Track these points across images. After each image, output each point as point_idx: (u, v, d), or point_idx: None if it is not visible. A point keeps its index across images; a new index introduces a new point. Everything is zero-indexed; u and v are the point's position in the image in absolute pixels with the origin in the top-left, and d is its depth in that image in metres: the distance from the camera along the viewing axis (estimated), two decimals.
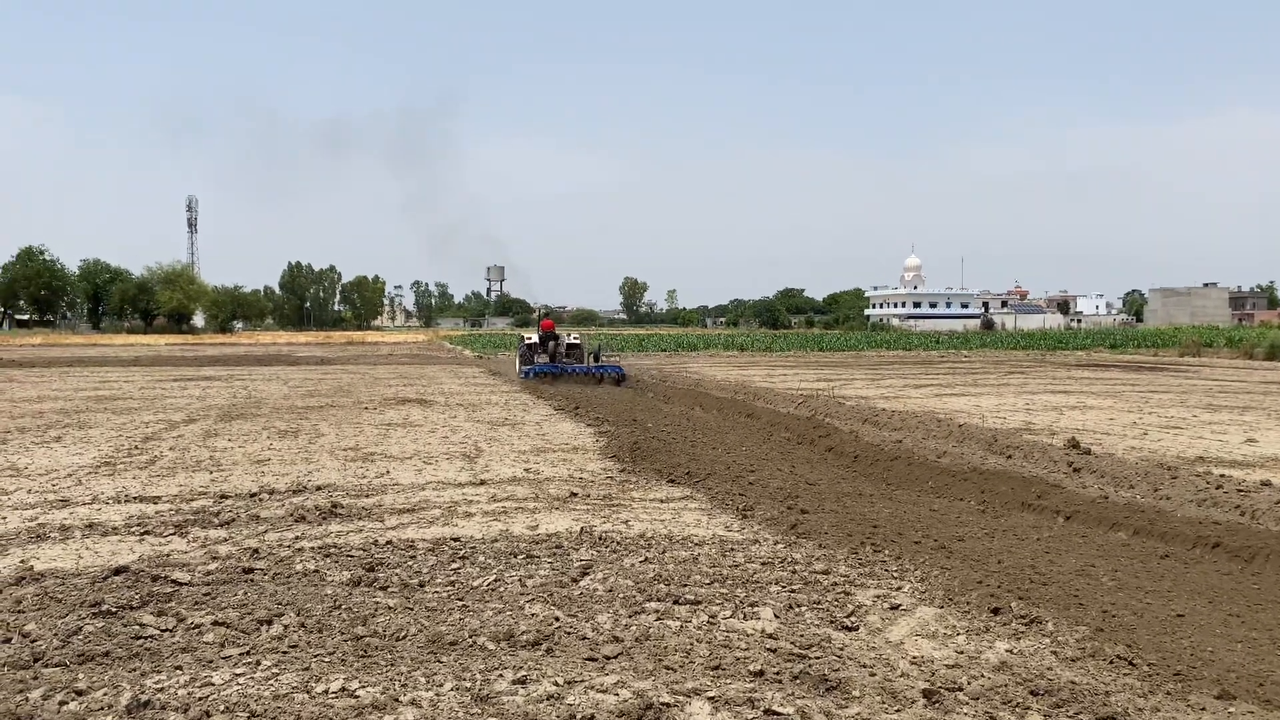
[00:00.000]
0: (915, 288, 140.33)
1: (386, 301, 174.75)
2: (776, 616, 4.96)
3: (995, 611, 5.06)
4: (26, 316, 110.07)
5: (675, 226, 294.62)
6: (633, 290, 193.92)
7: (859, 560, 6.14)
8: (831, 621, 4.94)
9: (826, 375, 28.31)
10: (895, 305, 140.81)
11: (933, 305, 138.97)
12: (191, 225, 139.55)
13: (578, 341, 25.41)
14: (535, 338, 25.19)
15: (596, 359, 24.77)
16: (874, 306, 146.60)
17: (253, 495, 8.38)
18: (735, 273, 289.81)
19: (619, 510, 7.79)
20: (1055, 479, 9.06)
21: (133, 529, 7.05)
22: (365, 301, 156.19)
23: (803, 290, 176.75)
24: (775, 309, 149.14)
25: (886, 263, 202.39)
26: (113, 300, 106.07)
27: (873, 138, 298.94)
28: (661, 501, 8.21)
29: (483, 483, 9.07)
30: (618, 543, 6.57)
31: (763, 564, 6.01)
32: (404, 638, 4.60)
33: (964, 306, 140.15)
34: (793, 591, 5.42)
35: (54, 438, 12.43)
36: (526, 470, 9.84)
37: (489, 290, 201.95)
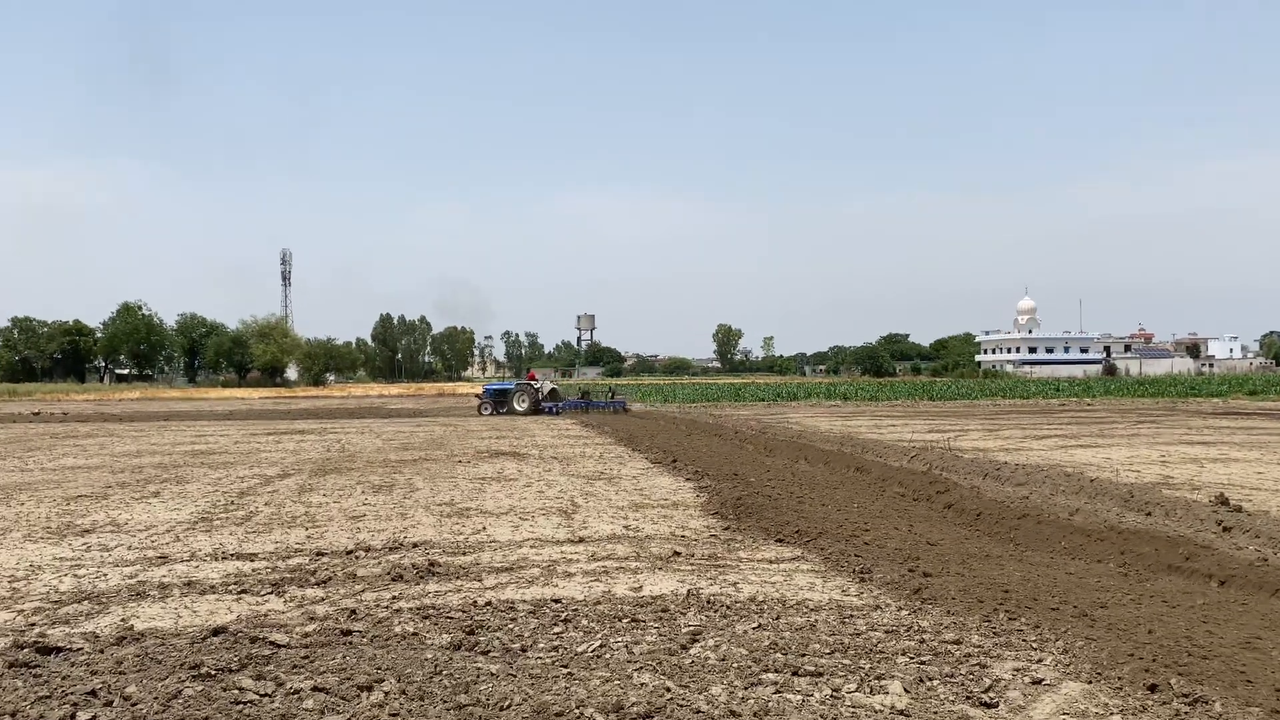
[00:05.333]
0: (1030, 331, 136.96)
1: (476, 352, 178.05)
2: (906, 691, 4.73)
3: (1152, 689, 4.73)
4: (126, 371, 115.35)
5: (771, 271, 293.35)
6: (727, 337, 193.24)
7: (992, 629, 5.85)
8: (968, 697, 4.68)
9: (939, 426, 27.67)
10: (1009, 350, 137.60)
11: (1049, 350, 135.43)
12: (285, 278, 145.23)
13: (555, 388, 38.52)
14: (508, 385, 38.14)
15: (584, 395, 40.09)
16: (986, 352, 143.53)
17: (349, 553, 8.49)
18: (835, 318, 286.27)
19: (726, 571, 7.64)
20: (1204, 539, 8.56)
21: (230, 587, 7.19)
22: (456, 353, 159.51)
23: (907, 335, 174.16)
24: (879, 355, 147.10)
25: (997, 306, 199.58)
26: (208, 354, 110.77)
27: (979, 174, 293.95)
28: (771, 562, 8.04)
29: (581, 540, 9.05)
30: (727, 607, 6.42)
31: (886, 632, 5.78)
32: (509, 707, 4.52)
33: (1083, 351, 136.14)
34: (922, 663, 5.18)
35: (152, 493, 12.88)
36: (626, 527, 9.79)
37: (579, 339, 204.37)
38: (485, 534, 9.46)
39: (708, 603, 6.53)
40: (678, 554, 8.32)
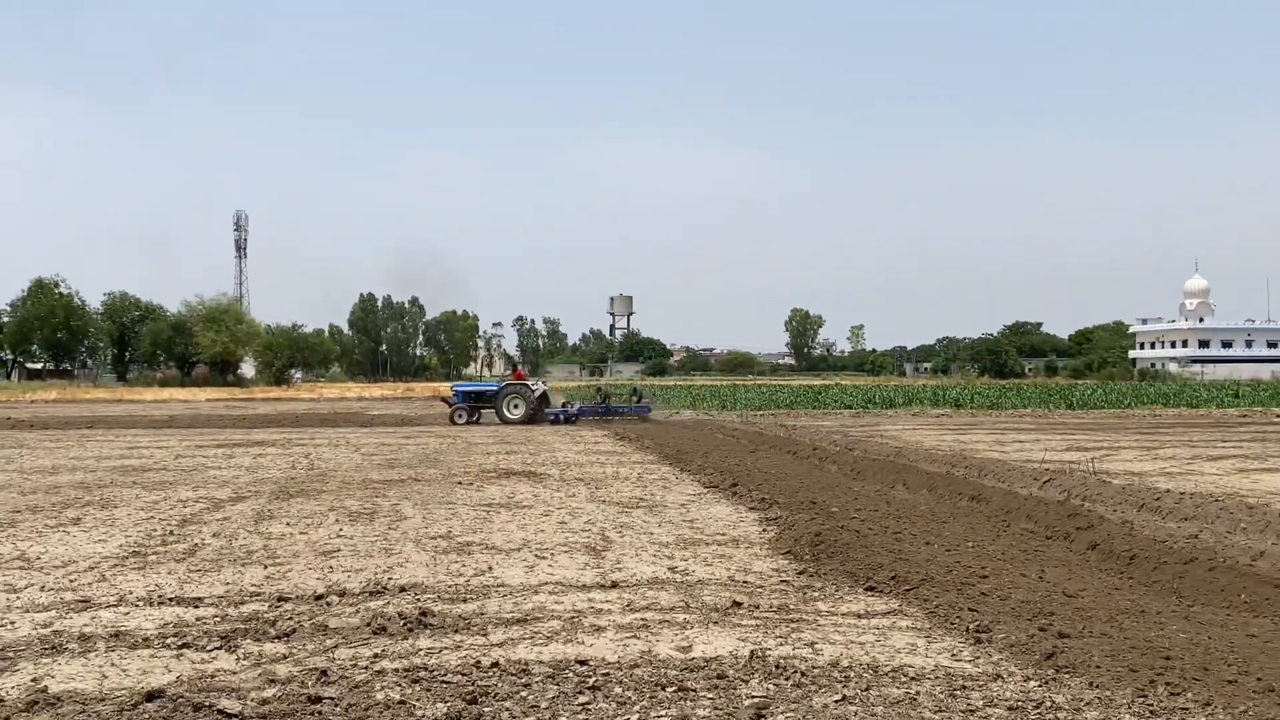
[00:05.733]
0: (1201, 320, 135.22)
1: (481, 343, 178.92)
2: None
3: None
4: (39, 365, 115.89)
5: (861, 241, 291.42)
6: (803, 326, 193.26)
7: (1149, 707, 5.80)
8: None
9: (1080, 442, 27.43)
10: (1173, 344, 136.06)
11: (1227, 345, 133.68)
12: (240, 248, 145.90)
13: (545, 390, 39.39)
14: (488, 386, 39.81)
15: (605, 399, 40.08)
16: (1142, 346, 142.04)
17: (318, 598, 8.58)
18: (944, 302, 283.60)
19: (801, 627, 7.64)
20: None
21: (169, 640, 7.28)
22: (455, 343, 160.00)
23: (1039, 325, 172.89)
24: (1002, 350, 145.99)
25: (1157, 287, 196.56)
26: (143, 344, 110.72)
27: (1136, 117, 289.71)
28: (859, 616, 8.03)
29: (614, 585, 9.10)
30: (802, 673, 6.42)
31: (1010, 709, 5.76)
32: None
33: (1272, 346, 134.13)
34: None
35: (72, 519, 13.11)
36: (671, 569, 9.83)
37: (612, 327, 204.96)
38: (491, 575, 9.51)
39: (777, 668, 6.53)
40: (738, 604, 8.32)
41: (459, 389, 39.19)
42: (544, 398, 38.40)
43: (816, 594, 8.79)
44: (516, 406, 36.92)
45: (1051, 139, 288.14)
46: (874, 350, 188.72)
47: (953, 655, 6.93)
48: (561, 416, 37.44)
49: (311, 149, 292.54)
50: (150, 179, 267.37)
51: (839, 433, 30.76)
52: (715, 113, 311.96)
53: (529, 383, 39.08)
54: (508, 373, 58.96)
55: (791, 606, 8.32)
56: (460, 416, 36.83)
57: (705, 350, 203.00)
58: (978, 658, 6.86)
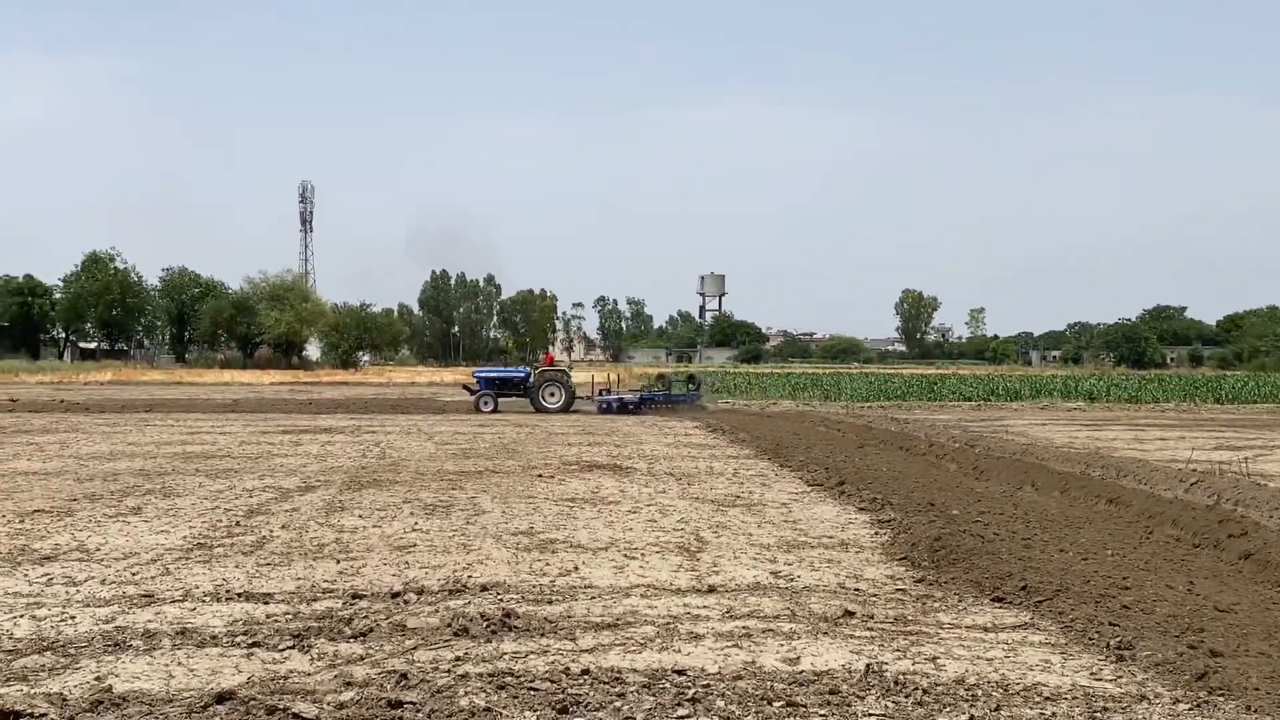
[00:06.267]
0: None
1: (559, 325, 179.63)
2: None
3: None
4: (94, 345, 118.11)
5: (981, 214, 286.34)
6: (915, 309, 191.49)
7: None
8: None
9: (1230, 440, 26.97)
10: None
11: None
12: (305, 221, 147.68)
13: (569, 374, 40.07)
14: (517, 372, 39.03)
15: (667, 385, 40.29)
16: None
17: (395, 595, 8.74)
18: (1075, 283, 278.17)
19: (920, 640, 7.62)
20: None
21: (238, 638, 7.46)
22: (531, 325, 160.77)
23: (1183, 310, 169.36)
24: (1140, 338, 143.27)
25: None
26: (202, 323, 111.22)
27: None
28: (985, 630, 7.98)
29: (711, 590, 9.14)
30: (924, 691, 6.42)
31: None
32: None
33: None
34: None
35: (132, 509, 13.46)
36: (774, 574, 9.85)
37: (702, 309, 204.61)
38: (578, 575, 9.62)
39: (895, 684, 6.52)
40: (850, 614, 8.31)
41: (481, 374, 38.83)
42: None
43: (937, 604, 8.75)
44: (553, 394, 36.80)
45: (1204, 99, 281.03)
46: (996, 336, 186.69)
47: (1092, 674, 6.87)
48: (614, 404, 37.02)
49: (364, 114, 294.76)
50: (204, 147, 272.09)
51: (957, 427, 30.48)
52: (820, 66, 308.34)
53: (565, 368, 39.00)
54: (582, 359, 58.88)
55: (909, 617, 8.29)
56: (486, 404, 36.47)
57: (805, 335, 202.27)
58: (1120, 677, 6.79)
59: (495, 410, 36.01)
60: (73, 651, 7.14)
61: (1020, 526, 12.21)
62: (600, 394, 38.52)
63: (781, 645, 7.42)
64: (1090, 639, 7.64)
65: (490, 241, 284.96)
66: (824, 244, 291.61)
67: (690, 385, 40.71)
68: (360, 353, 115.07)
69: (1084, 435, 28.14)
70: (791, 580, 9.57)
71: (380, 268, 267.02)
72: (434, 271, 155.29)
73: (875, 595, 9.04)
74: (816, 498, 15.09)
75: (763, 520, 12.98)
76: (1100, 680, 6.72)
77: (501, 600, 8.57)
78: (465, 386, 40.88)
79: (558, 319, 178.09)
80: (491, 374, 38.88)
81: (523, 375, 38.08)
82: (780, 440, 24.40)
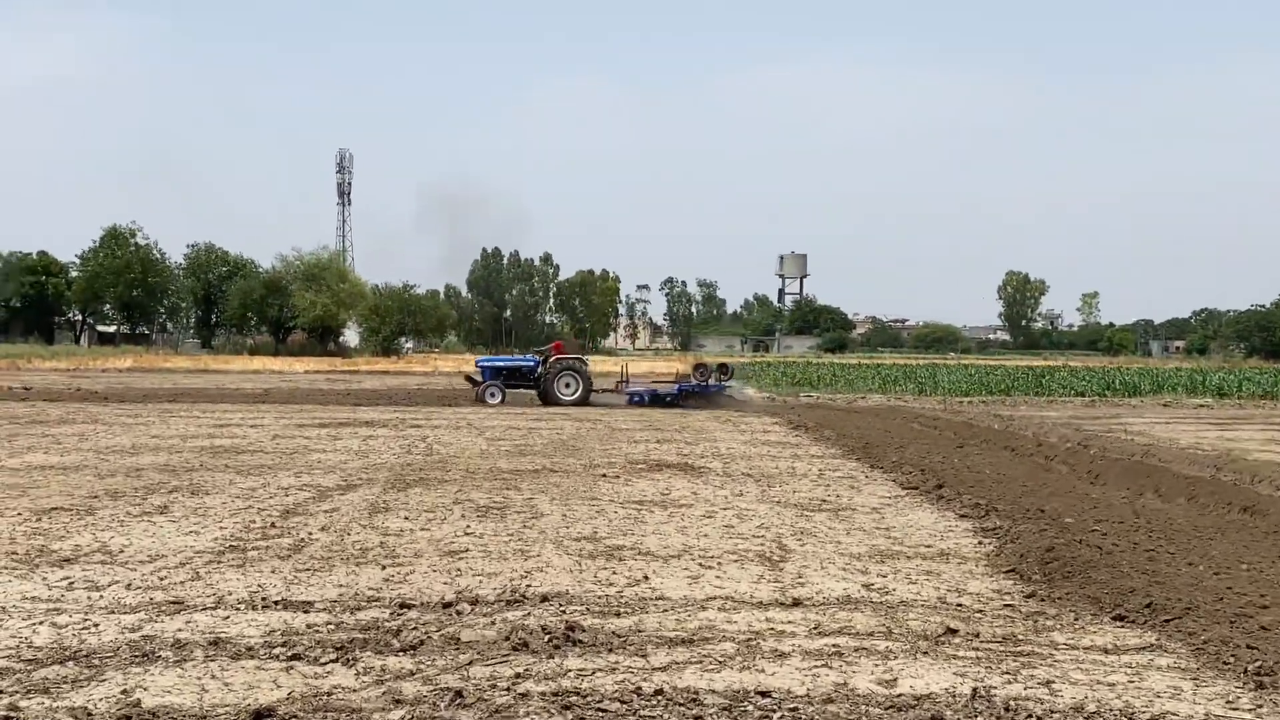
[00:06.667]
0: None
1: (623, 309, 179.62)
2: None
3: None
4: (113, 328, 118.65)
5: (1093, 189, 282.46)
6: (1020, 294, 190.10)
7: None
8: None
9: None
10: None
11: None
12: (342, 193, 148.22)
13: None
14: (525, 361, 38.49)
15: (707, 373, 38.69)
16: None
17: (447, 605, 8.67)
18: (1201, 266, 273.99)
19: (1033, 662, 7.52)
20: None
21: (276, 650, 7.41)
22: (591, 310, 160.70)
23: None
24: (1276, 326, 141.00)
25: None
26: (230, 305, 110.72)
27: None
28: (1106, 651, 7.85)
29: (796, 603, 9.07)
30: (1037, 718, 6.36)
31: None
32: None
33: None
34: None
35: (157, 507, 13.48)
36: (866, 586, 9.77)
37: (781, 292, 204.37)
38: (648, 586, 9.54)
39: (1006, 710, 6.47)
40: (952, 631, 8.22)
41: (484, 363, 38.91)
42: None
43: (1050, 622, 8.62)
44: (569, 385, 36.38)
45: None
46: (1111, 324, 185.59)
47: (1227, 702, 6.75)
48: (645, 397, 36.59)
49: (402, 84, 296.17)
50: (233, 116, 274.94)
51: (1069, 425, 30.29)
52: (914, 22, 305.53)
53: (582, 356, 38.83)
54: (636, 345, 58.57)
55: (1020, 636, 8.19)
56: (493, 395, 36.19)
57: (896, 322, 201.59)
58: (1260, 706, 6.67)
59: (504, 402, 35.91)
60: (97, 662, 7.12)
61: (1143, 537, 11.98)
62: (621, 385, 37.88)
63: (876, 665, 7.33)
64: (1224, 663, 7.49)
65: (546, 217, 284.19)
66: (918, 221, 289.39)
67: (721, 374, 39.28)
68: (403, 339, 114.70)
69: (1212, 435, 27.73)
70: (886, 594, 9.46)
71: (407, 248, 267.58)
72: (484, 250, 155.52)
73: (980, 611, 8.92)
74: (912, 502, 14.94)
75: (852, 527, 12.85)
76: (1237, 710, 6.60)
77: (564, 612, 8.49)
78: (468, 377, 40.58)
79: (620, 303, 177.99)
80: (497, 363, 38.93)
81: (532, 364, 37.64)
82: (870, 438, 24.21)
